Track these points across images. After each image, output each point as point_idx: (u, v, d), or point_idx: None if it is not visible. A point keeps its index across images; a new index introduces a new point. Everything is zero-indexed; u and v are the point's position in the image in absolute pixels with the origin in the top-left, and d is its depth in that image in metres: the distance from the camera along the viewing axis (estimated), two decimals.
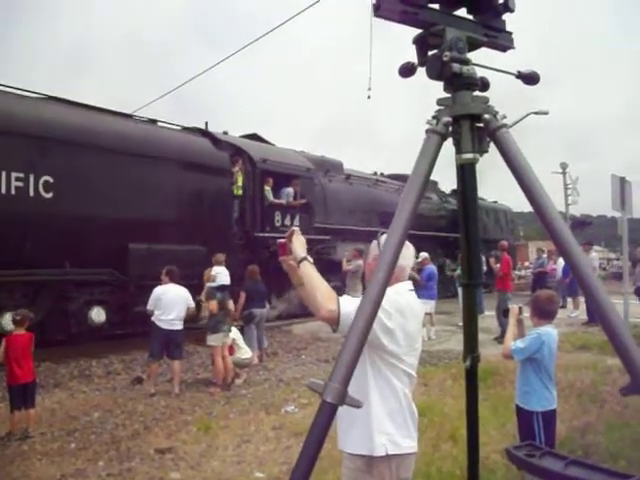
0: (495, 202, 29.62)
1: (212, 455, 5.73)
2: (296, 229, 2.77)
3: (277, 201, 15.19)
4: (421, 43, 2.02)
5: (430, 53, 2.01)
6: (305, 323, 13.87)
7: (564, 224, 1.81)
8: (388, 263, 1.75)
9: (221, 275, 9.37)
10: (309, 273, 2.59)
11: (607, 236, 66.36)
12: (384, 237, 2.85)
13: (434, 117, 1.93)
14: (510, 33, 2.18)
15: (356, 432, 2.66)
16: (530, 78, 2.07)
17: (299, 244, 2.69)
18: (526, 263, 30.18)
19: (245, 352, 9.33)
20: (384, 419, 2.64)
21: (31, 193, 9.92)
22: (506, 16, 2.13)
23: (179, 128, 14.01)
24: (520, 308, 4.61)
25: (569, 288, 16.53)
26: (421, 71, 2.01)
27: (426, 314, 10.94)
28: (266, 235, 14.41)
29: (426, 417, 6.05)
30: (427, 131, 1.89)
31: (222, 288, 9.21)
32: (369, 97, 2.27)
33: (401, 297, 2.72)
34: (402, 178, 20.15)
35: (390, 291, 2.64)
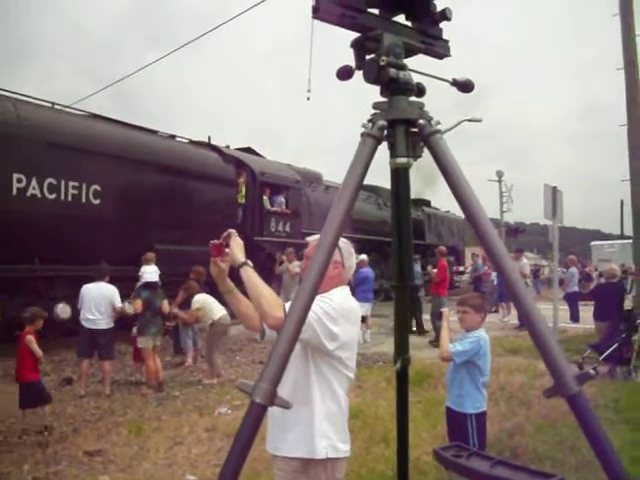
0: (447, 212, 30.28)
1: (143, 457, 5.63)
2: (233, 231, 2.67)
3: (274, 209, 16.91)
4: (359, 47, 2.03)
5: (368, 57, 2.02)
6: (241, 324, 13.75)
7: (493, 230, 1.84)
8: (320, 265, 1.74)
9: (146, 274, 9.20)
10: (251, 279, 2.51)
11: (539, 243, 68.38)
12: (313, 238, 2.86)
13: (370, 120, 1.94)
14: (447, 41, 2.21)
15: (294, 435, 2.65)
16: (465, 86, 2.10)
17: (238, 248, 2.61)
18: (461, 268, 30.68)
19: (215, 312, 9.29)
20: (325, 422, 2.64)
21: (83, 200, 11.35)
22: (443, 24, 2.16)
23: (187, 141, 15.27)
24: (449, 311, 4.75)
25: (502, 293, 16.86)
26: (359, 74, 2.02)
27: (362, 317, 11.04)
28: (264, 239, 16.22)
29: (359, 419, 6.10)
30: (362, 134, 1.90)
31: (150, 287, 9.02)
32: (308, 99, 2.27)
33: (346, 302, 2.72)
34: (368, 189, 21.71)
35: (335, 296, 2.65)
